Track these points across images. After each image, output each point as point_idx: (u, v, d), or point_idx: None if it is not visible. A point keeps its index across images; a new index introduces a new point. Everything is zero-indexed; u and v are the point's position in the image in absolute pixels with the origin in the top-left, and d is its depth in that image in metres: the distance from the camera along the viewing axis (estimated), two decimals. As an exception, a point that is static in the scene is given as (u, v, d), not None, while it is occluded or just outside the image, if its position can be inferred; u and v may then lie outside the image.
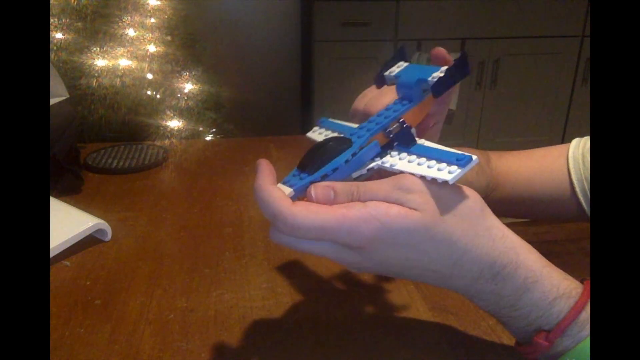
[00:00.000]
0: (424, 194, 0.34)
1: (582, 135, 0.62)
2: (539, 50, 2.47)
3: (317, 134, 0.45)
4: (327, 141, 0.37)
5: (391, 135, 0.38)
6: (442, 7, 2.33)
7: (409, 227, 0.34)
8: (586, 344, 0.36)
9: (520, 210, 0.65)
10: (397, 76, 0.42)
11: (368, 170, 0.38)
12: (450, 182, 0.33)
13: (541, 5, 2.39)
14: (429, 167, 0.35)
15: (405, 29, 2.34)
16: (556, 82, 2.54)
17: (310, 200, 0.34)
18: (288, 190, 0.36)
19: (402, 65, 0.43)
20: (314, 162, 0.36)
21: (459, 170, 0.33)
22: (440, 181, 0.34)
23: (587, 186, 0.59)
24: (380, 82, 0.44)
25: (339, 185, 0.35)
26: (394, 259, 0.35)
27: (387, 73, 0.43)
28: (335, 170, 0.36)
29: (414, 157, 0.37)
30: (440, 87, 0.39)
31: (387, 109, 0.40)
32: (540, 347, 0.37)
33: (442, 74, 0.39)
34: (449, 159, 0.35)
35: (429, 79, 0.39)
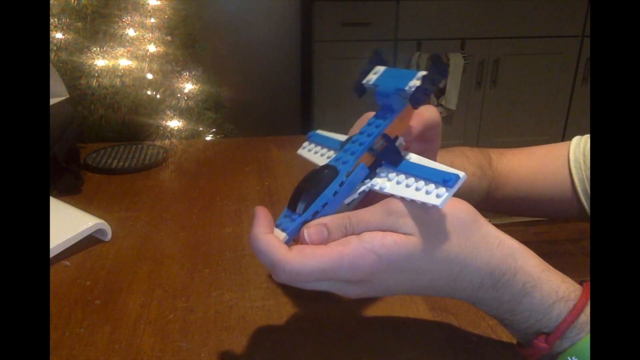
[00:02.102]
0: (416, 217, 0.34)
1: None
2: (539, 50, 2.47)
3: (307, 151, 0.45)
4: (313, 175, 0.37)
5: (377, 154, 0.38)
6: (442, 7, 2.33)
7: (407, 253, 0.34)
8: (585, 342, 0.36)
9: (521, 209, 0.65)
10: (375, 84, 0.40)
11: (359, 194, 0.37)
12: (440, 207, 0.33)
13: (541, 5, 2.39)
14: (417, 189, 0.34)
15: (405, 29, 2.34)
16: (556, 82, 2.54)
17: (304, 243, 0.34)
18: (282, 235, 0.35)
19: (379, 70, 0.41)
20: (302, 200, 0.36)
21: (447, 194, 0.33)
22: (429, 205, 0.34)
23: (588, 185, 0.59)
24: (360, 90, 0.42)
25: (331, 221, 0.35)
26: (396, 284, 0.36)
27: (364, 81, 0.41)
28: (325, 205, 0.36)
29: (402, 176, 0.36)
30: (419, 97, 0.37)
31: (369, 124, 0.39)
32: (539, 350, 0.37)
33: (419, 82, 0.37)
34: (436, 179, 0.34)
35: (406, 88, 0.38)
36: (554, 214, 0.65)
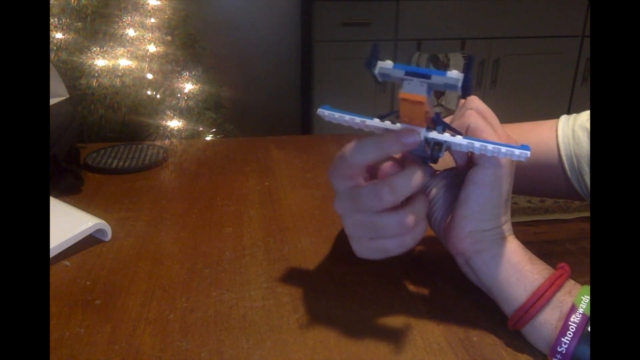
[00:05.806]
0: None
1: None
2: (539, 50, 2.47)
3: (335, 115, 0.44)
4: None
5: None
6: (442, 7, 2.33)
7: None
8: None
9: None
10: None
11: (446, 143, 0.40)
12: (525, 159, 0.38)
13: (541, 5, 2.39)
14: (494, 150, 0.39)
15: (405, 29, 2.34)
16: (556, 82, 2.55)
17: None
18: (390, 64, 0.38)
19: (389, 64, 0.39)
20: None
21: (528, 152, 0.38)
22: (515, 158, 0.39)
23: (575, 162, 0.59)
24: (371, 65, 0.40)
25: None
26: None
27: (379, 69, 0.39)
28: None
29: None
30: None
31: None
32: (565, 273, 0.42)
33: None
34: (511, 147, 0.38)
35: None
36: (540, 185, 0.65)
